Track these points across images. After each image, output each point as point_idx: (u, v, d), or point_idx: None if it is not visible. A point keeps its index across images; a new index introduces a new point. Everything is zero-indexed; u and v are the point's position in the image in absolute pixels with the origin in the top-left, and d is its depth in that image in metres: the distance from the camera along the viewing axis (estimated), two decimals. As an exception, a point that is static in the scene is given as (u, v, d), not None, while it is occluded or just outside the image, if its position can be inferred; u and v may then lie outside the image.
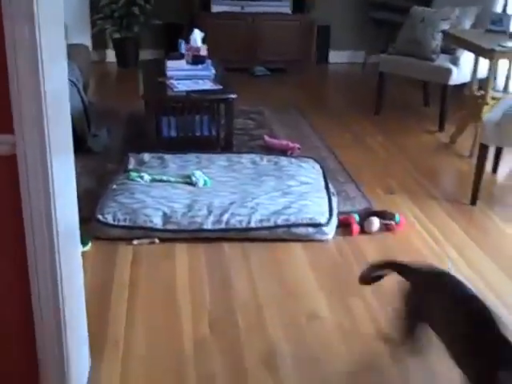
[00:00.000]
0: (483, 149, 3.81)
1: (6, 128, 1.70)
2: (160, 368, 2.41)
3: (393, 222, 3.52)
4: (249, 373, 2.39)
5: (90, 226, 3.27)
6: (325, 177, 3.94)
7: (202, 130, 4.42)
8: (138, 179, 3.69)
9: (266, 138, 4.67)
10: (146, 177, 3.71)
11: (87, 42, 6.46)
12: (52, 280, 1.88)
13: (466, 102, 4.89)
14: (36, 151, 1.73)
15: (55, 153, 1.82)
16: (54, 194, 1.81)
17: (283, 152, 4.43)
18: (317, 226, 3.35)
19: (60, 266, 1.89)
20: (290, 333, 2.63)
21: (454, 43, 5.02)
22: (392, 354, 2.46)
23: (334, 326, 2.68)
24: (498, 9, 5.36)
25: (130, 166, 3.90)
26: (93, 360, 2.40)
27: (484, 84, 4.71)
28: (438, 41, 5.13)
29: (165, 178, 3.73)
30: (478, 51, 4.52)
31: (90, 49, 6.45)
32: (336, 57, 7.37)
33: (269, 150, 4.49)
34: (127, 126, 5.06)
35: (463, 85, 5.17)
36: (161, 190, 3.58)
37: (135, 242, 3.27)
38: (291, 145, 4.50)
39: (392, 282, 3.02)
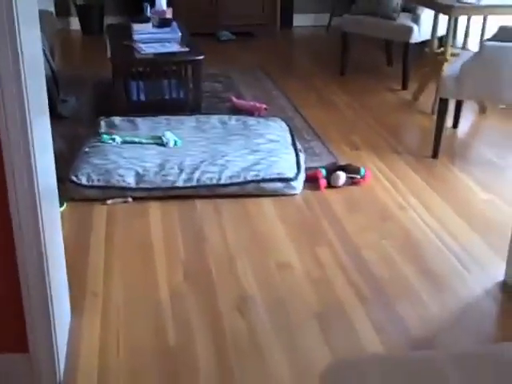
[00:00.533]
0: (443, 103, 3.96)
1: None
2: (138, 316, 2.52)
3: (358, 176, 3.66)
4: (223, 316, 2.52)
5: (65, 187, 3.34)
6: (292, 135, 4.06)
7: (171, 93, 4.49)
8: (110, 141, 3.76)
9: (234, 99, 4.76)
10: (118, 139, 3.78)
11: (51, 9, 6.43)
12: (35, 235, 1.95)
13: (427, 59, 5.02)
14: (15, 106, 1.81)
15: (33, 109, 1.90)
16: (33, 150, 1.89)
17: (251, 113, 4.53)
18: (285, 180, 3.48)
19: (42, 221, 1.97)
20: (261, 280, 2.76)
21: (413, 1, 5.13)
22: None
23: (303, 274, 2.81)
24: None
25: (102, 130, 3.98)
26: (73, 312, 2.51)
27: (444, 41, 4.84)
28: None
29: (136, 139, 3.81)
30: (438, 8, 4.64)
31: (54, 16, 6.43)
32: (300, 20, 7.44)
33: (237, 111, 4.58)
34: (95, 91, 5.11)
35: (424, 43, 5.30)
36: (133, 151, 3.67)
37: (109, 201, 3.37)
38: (258, 105, 4.60)
39: (358, 230, 3.18)
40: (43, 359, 2.10)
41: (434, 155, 4.03)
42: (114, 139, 3.78)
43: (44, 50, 4.47)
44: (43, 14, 5.44)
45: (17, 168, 1.88)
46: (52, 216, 2.22)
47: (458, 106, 4.47)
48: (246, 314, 2.54)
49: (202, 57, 4.35)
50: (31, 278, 2.01)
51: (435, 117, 4.12)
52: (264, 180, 3.46)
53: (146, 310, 2.56)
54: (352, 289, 2.70)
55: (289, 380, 2.21)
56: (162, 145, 3.77)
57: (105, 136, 3.81)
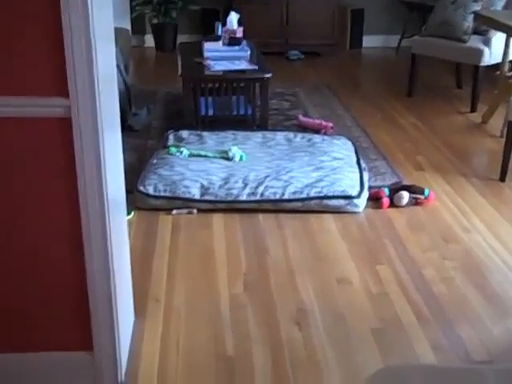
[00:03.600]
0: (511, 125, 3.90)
1: (62, 92, 1.86)
2: (198, 324, 2.58)
3: (422, 197, 3.64)
4: (281, 328, 2.55)
5: (132, 196, 3.44)
6: (357, 153, 4.08)
7: (239, 109, 4.57)
8: (177, 154, 3.87)
9: (301, 117, 4.81)
10: (185, 152, 3.88)
11: (127, 26, 6.65)
12: (103, 241, 2.04)
13: (497, 82, 4.96)
14: (88, 117, 1.90)
15: (105, 121, 1.99)
16: (104, 161, 1.97)
17: (317, 131, 4.56)
18: (348, 198, 3.49)
19: (110, 228, 2.06)
20: (320, 294, 2.78)
21: (485, 24, 5.09)
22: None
23: (363, 290, 2.82)
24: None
25: (170, 142, 4.09)
26: (136, 316, 2.59)
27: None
28: (469, 22, 5.19)
29: (203, 153, 3.90)
30: (510, 31, 4.58)
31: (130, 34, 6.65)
32: (370, 41, 7.45)
33: (303, 129, 4.63)
34: (166, 105, 5.25)
35: (495, 66, 5.23)
36: (199, 164, 3.76)
37: (174, 211, 3.45)
38: (324, 124, 4.63)
39: (419, 250, 3.17)
40: (106, 358, 2.17)
41: (502, 178, 3.96)
42: (181, 152, 3.88)
43: (119, 66, 4.65)
44: (119, 32, 5.65)
45: (88, 178, 1.96)
46: (119, 224, 2.31)
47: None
48: (304, 327, 2.56)
49: (269, 75, 4.43)
50: (98, 280, 2.09)
51: (504, 140, 4.07)
52: (327, 197, 3.49)
53: (206, 317, 2.62)
54: (411, 307, 2.69)
55: (343, 392, 2.23)
56: (228, 159, 3.85)
57: (172, 149, 3.92)
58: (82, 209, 2.00)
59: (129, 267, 2.52)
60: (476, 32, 5.27)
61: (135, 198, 3.48)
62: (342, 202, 3.49)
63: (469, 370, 1.34)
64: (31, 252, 2.06)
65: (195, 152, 3.91)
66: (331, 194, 3.50)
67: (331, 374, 2.30)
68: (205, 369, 2.33)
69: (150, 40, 7.28)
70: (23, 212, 2.00)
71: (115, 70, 2.33)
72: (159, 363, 2.35)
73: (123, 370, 2.25)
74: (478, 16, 5.06)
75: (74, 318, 2.16)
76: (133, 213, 3.40)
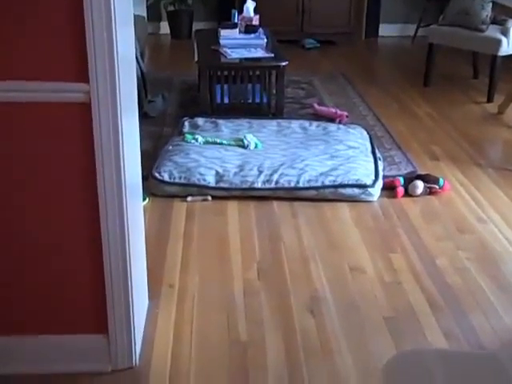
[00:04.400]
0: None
1: (83, 77, 1.88)
2: (212, 309, 2.60)
3: (437, 186, 3.63)
4: (294, 315, 2.56)
5: (148, 183, 3.46)
6: (372, 142, 4.07)
7: (254, 97, 4.57)
8: (193, 141, 3.88)
9: (316, 105, 4.80)
10: (200, 139, 3.89)
11: (143, 13, 6.66)
12: (120, 225, 2.06)
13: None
14: (108, 101, 1.91)
15: (124, 107, 2.00)
16: (123, 146, 1.99)
17: (332, 120, 4.56)
18: (363, 187, 3.49)
19: (127, 213, 2.08)
20: (333, 282, 2.79)
21: (504, 13, 5.04)
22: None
23: (376, 278, 2.82)
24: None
25: (185, 129, 4.11)
26: (150, 301, 2.61)
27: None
28: (487, 11, 5.16)
29: (218, 140, 3.91)
30: (528, 21, 4.55)
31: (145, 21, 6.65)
32: (386, 30, 7.41)
33: (318, 117, 4.62)
34: (181, 93, 5.26)
35: (512, 56, 5.20)
36: (214, 151, 3.77)
37: (189, 198, 3.47)
38: (340, 112, 4.62)
39: (433, 240, 3.17)
40: (121, 341, 2.20)
41: (517, 169, 3.95)
42: (196, 139, 3.89)
43: (134, 52, 4.65)
44: (135, 18, 5.65)
45: (107, 163, 1.98)
46: (136, 208, 2.32)
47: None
48: (317, 314, 2.57)
49: (285, 63, 4.43)
50: (114, 264, 2.11)
51: (520, 130, 4.05)
52: (341, 185, 3.49)
53: (219, 303, 2.64)
54: (424, 295, 2.69)
55: (355, 379, 2.24)
56: (243, 147, 3.85)
57: (188, 136, 3.93)
58: (99, 192, 2.01)
59: (144, 252, 2.54)
60: (494, 22, 5.22)
61: (150, 185, 3.50)
62: (356, 190, 3.49)
63: (484, 355, 1.35)
64: (47, 236, 2.08)
65: (210, 139, 3.92)
66: (346, 182, 3.50)
67: (345, 362, 2.31)
68: (217, 355, 2.34)
69: (165, 27, 7.28)
70: (42, 195, 2.03)
71: (134, 55, 2.34)
72: (172, 347, 2.37)
73: (137, 353, 2.28)
74: (496, 5, 5.02)
75: (89, 301, 2.18)
76: (147, 199, 3.42)
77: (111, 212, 2.04)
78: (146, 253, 2.58)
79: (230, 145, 3.88)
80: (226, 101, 4.58)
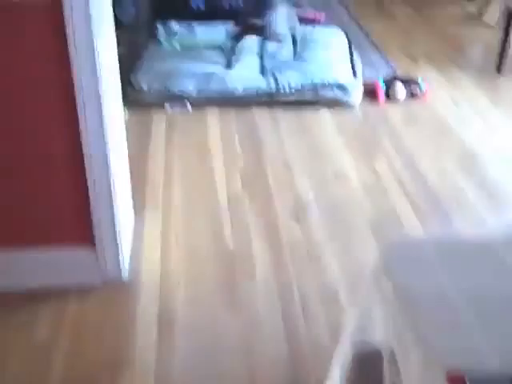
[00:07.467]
0: (508, 13, 3.81)
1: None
2: (198, 220, 2.60)
3: (419, 90, 3.59)
4: (279, 221, 2.58)
5: (125, 92, 3.36)
6: (349, 43, 3.99)
7: (231, 2, 4.43)
8: (169, 47, 3.77)
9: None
10: (176, 44, 3.79)
11: None
12: (99, 132, 2.00)
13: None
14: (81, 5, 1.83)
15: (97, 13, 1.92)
16: (97, 45, 1.92)
17: (309, 21, 4.45)
18: (342, 87, 3.44)
19: (106, 117, 2.02)
20: (317, 188, 2.80)
21: None
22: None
23: (359, 183, 2.84)
24: None
25: (160, 35, 3.98)
26: (136, 214, 2.59)
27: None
28: None
29: (195, 45, 3.81)
30: None
31: None
32: None
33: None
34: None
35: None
36: (192, 56, 3.68)
37: (169, 109, 3.40)
38: (317, 14, 4.51)
39: (414, 142, 3.17)
40: (108, 253, 2.19)
41: (498, 70, 3.92)
42: (172, 45, 3.78)
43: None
44: None
45: (83, 66, 1.91)
46: (115, 115, 2.26)
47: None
48: (302, 219, 2.59)
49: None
50: (97, 174, 2.07)
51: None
52: (321, 86, 3.43)
53: (205, 213, 2.63)
54: (407, 199, 2.72)
55: (341, 278, 2.27)
56: (222, 50, 3.78)
57: (164, 42, 3.82)
58: (78, 101, 1.95)
59: (127, 162, 2.50)
60: None
61: (128, 94, 3.40)
62: (336, 91, 3.44)
63: (480, 241, 1.40)
64: (30, 146, 2.03)
65: (187, 43, 3.82)
66: (325, 83, 3.45)
67: (330, 263, 2.34)
68: (205, 263, 2.35)
69: None
70: (21, 104, 1.97)
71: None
72: (161, 261, 2.36)
73: (126, 267, 2.28)
74: None
75: (74, 212, 2.15)
76: (127, 112, 3.34)
77: (91, 118, 1.97)
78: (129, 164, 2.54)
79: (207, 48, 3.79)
80: (201, 5, 4.43)
